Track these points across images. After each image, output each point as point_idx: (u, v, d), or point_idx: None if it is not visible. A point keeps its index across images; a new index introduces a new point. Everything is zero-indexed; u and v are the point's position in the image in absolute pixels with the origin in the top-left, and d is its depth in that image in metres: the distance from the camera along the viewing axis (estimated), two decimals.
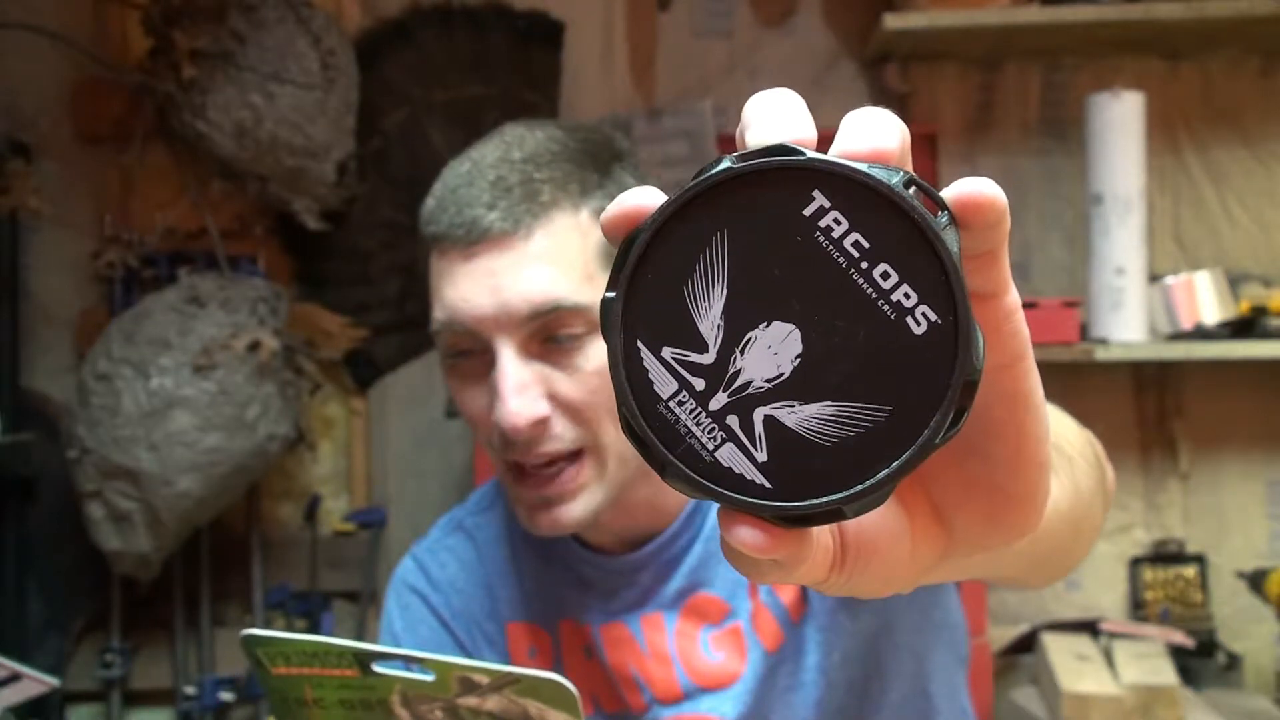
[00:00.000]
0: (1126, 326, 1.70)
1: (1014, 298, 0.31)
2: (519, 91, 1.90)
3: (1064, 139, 1.92)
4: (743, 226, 0.28)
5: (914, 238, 0.27)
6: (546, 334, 0.71)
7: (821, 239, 0.27)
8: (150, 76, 1.73)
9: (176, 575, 1.85)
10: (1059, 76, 1.93)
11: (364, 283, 1.93)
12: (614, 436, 0.74)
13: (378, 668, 0.56)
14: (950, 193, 0.28)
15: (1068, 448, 0.52)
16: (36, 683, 0.96)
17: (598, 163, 0.75)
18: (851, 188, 0.27)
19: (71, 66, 1.87)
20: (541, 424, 0.71)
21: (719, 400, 0.28)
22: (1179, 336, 1.74)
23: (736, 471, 0.28)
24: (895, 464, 0.27)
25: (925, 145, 1.87)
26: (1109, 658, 1.70)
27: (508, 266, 0.70)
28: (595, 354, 0.72)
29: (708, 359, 0.28)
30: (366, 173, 1.88)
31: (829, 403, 0.27)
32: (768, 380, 0.28)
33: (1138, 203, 1.70)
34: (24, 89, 1.90)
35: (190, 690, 1.84)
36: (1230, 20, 1.72)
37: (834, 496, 0.27)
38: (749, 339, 0.28)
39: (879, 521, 0.32)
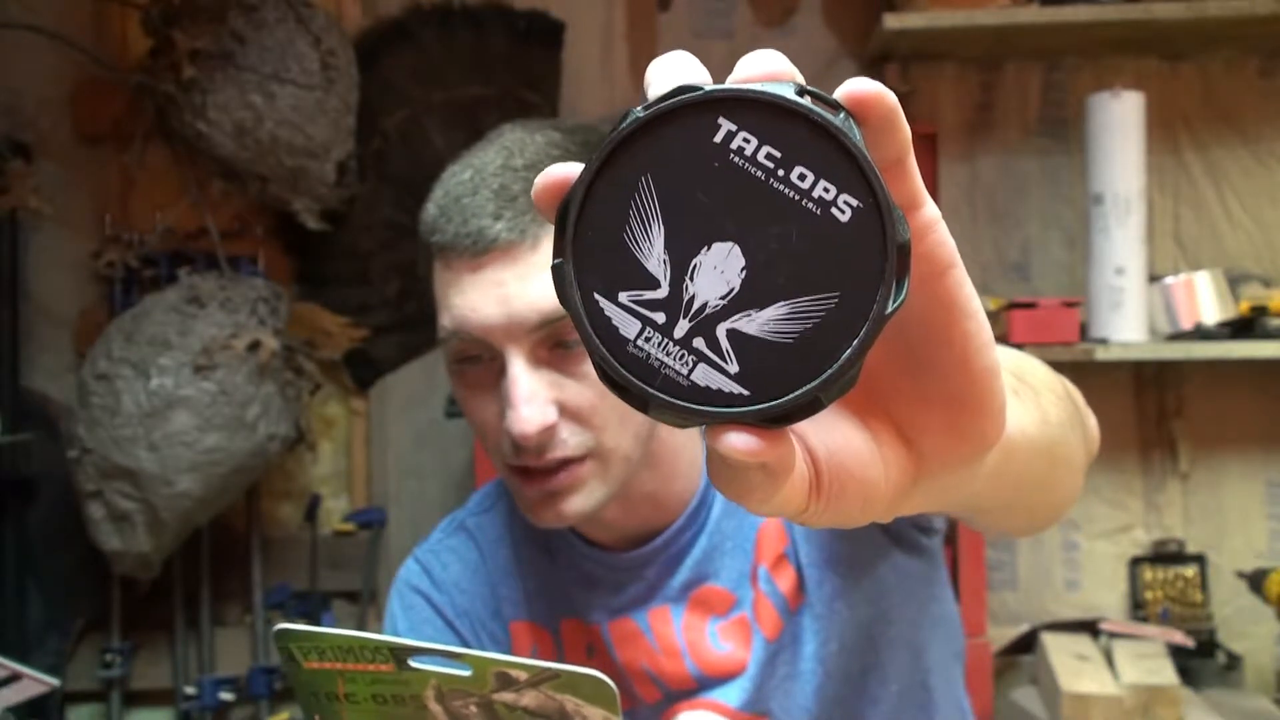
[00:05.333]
0: (1126, 326, 1.70)
1: (932, 209, 0.32)
2: (519, 91, 1.90)
3: (1064, 139, 1.92)
4: (663, 166, 0.30)
5: (819, 137, 0.29)
6: (555, 340, 0.72)
7: (736, 159, 0.29)
8: (150, 76, 1.73)
9: (176, 575, 1.85)
10: (1059, 76, 1.93)
11: (364, 283, 1.93)
12: (619, 440, 0.74)
13: (414, 662, 0.56)
14: (841, 91, 0.30)
15: (1032, 379, 0.54)
16: (36, 683, 0.96)
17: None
18: (751, 107, 0.29)
19: (71, 66, 1.87)
20: (550, 430, 0.72)
21: (682, 328, 0.30)
22: (1179, 336, 1.74)
23: (714, 388, 0.30)
24: (856, 342, 0.29)
25: (925, 145, 1.87)
26: (1109, 658, 1.70)
27: (516, 276, 0.71)
28: None
29: (662, 293, 0.30)
30: (366, 173, 1.88)
31: (782, 303, 0.29)
32: (721, 298, 0.30)
33: (1138, 203, 1.70)
34: (24, 89, 1.90)
35: (190, 690, 1.85)
36: (1230, 20, 1.72)
37: (809, 386, 0.29)
38: (695, 265, 0.30)
39: (849, 448, 0.33)
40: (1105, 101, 1.71)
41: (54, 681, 0.98)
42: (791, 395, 0.29)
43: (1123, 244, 1.70)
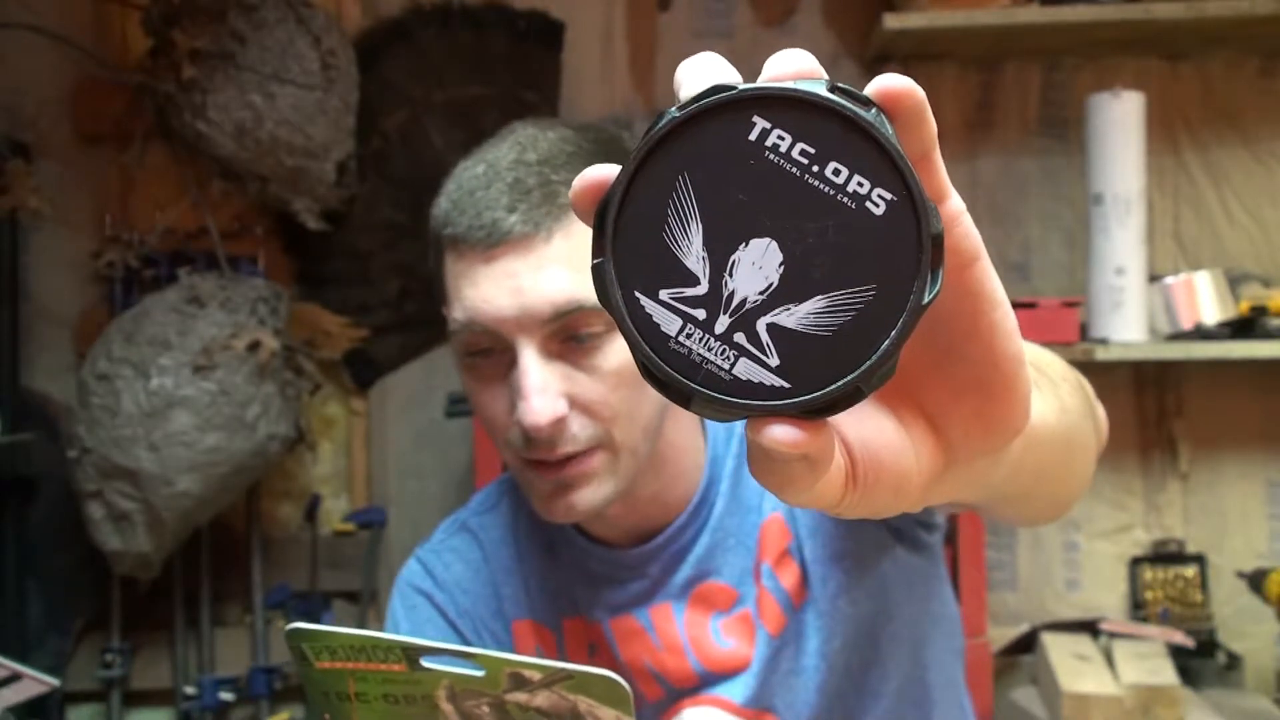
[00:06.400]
0: (1126, 326, 1.70)
1: (957, 201, 0.33)
2: (519, 91, 1.90)
3: (1064, 139, 1.92)
4: (699, 165, 0.30)
5: (851, 133, 0.30)
6: (567, 333, 0.73)
7: (771, 156, 0.30)
8: (150, 76, 1.73)
9: (176, 575, 1.85)
10: (1059, 76, 1.93)
11: (364, 283, 1.93)
12: (628, 434, 0.75)
13: (426, 662, 0.56)
14: (871, 88, 0.31)
15: (1050, 370, 0.55)
16: (36, 683, 0.96)
17: (609, 163, 0.75)
18: (785, 104, 0.30)
19: (71, 66, 1.87)
20: (560, 422, 0.72)
21: (722, 323, 0.30)
22: (1179, 336, 1.74)
23: (756, 381, 0.30)
24: (894, 332, 0.30)
25: None
26: (1109, 658, 1.70)
27: (529, 268, 0.71)
28: (614, 352, 0.73)
29: (702, 290, 0.30)
30: (366, 173, 1.88)
31: (820, 297, 0.30)
32: (760, 293, 0.30)
33: (1138, 203, 1.70)
34: (24, 89, 1.90)
35: (190, 690, 1.84)
36: (1230, 20, 1.72)
37: (850, 377, 0.30)
38: (733, 261, 0.30)
39: (881, 438, 0.34)
40: (1105, 101, 1.71)
41: (54, 681, 0.98)
42: (833, 386, 0.30)
43: (1123, 244, 1.70)
